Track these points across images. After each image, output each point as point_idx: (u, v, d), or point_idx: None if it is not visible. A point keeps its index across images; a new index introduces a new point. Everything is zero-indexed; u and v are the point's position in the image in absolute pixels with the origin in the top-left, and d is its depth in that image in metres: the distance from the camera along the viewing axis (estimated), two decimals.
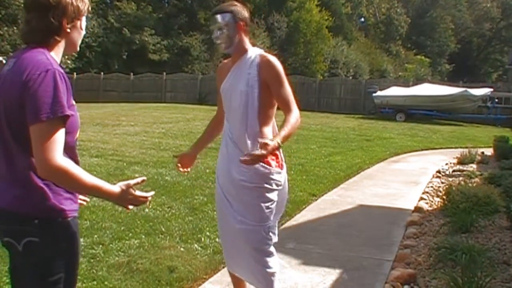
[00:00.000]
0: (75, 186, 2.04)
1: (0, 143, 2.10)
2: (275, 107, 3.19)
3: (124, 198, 2.14)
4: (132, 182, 2.17)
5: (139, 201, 2.19)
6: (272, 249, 3.20)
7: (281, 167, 3.18)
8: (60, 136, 1.98)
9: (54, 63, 2.06)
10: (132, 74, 34.82)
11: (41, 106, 1.94)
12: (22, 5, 2.19)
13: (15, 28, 30.01)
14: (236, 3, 3.18)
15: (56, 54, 2.17)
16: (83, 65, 34.77)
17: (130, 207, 2.20)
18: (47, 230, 2.07)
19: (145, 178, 2.27)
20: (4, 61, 23.63)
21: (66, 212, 2.12)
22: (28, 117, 1.96)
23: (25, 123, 1.97)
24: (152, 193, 2.24)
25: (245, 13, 3.14)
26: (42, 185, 2.05)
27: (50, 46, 2.16)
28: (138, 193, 2.17)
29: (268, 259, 3.17)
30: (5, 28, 30.28)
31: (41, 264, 2.08)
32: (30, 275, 2.10)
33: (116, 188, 2.12)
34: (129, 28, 38.23)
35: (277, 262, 3.26)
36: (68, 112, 2.00)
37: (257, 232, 3.11)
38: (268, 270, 3.16)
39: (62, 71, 2.05)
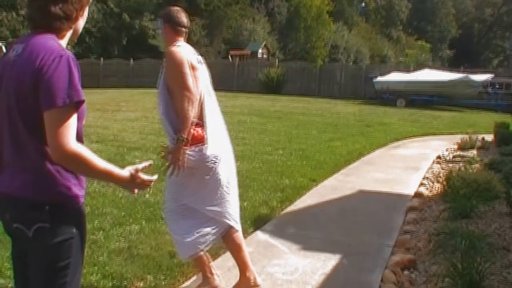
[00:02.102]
0: (88, 170, 2.05)
1: (8, 130, 2.08)
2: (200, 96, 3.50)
3: (133, 183, 2.17)
4: (140, 166, 2.19)
5: (146, 185, 2.22)
6: (180, 219, 3.62)
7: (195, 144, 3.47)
8: (73, 121, 1.98)
9: (65, 49, 2.06)
10: (132, 59, 34.71)
11: (56, 91, 1.94)
12: None
13: (14, 13, 29.88)
14: (171, 8, 3.67)
15: (64, 41, 2.17)
16: (83, 50, 34.67)
17: (136, 191, 2.22)
18: (58, 216, 2.08)
19: (151, 162, 2.29)
20: (3, 47, 23.53)
21: (77, 198, 2.14)
22: (43, 103, 1.95)
23: (38, 109, 1.97)
24: (156, 176, 2.25)
25: (173, 16, 3.58)
26: (53, 171, 2.05)
27: (60, 33, 2.16)
28: (144, 177, 2.18)
29: (174, 227, 3.69)
30: (4, 14, 30.13)
31: (51, 249, 2.09)
32: (39, 260, 2.11)
33: (125, 172, 2.14)
34: (129, 13, 38.09)
35: (187, 233, 3.57)
36: (83, 97, 2.01)
37: (168, 200, 3.77)
38: (174, 237, 3.72)
39: (74, 57, 2.05)
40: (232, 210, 3.73)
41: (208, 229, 3.60)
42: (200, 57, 3.70)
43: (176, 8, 3.66)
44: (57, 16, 2.11)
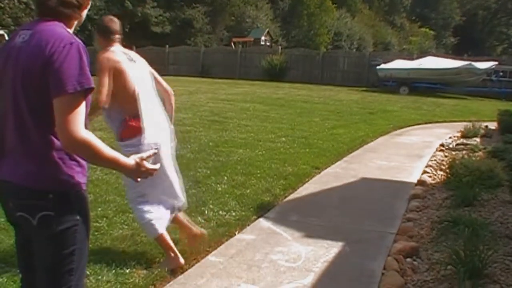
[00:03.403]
0: (96, 158, 2.04)
1: (13, 116, 2.07)
2: (121, 92, 3.78)
3: (138, 171, 2.17)
4: (145, 155, 2.19)
5: (149, 174, 2.22)
6: (141, 206, 3.91)
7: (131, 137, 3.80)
8: (83, 109, 1.99)
9: (74, 36, 2.07)
10: (134, 47, 34.58)
11: (67, 78, 1.94)
12: None
13: (16, 0, 29.76)
14: (103, 18, 4.05)
15: (71, 30, 2.17)
16: (85, 38, 34.59)
17: (139, 179, 2.22)
18: (62, 203, 2.08)
19: (156, 151, 2.29)
20: (5, 35, 23.47)
21: (80, 186, 2.14)
22: (53, 89, 1.95)
23: (45, 96, 1.97)
24: (159, 165, 2.26)
25: (104, 26, 3.93)
26: (57, 159, 2.05)
27: (70, 21, 2.17)
28: (148, 165, 2.19)
29: (139, 213, 3.92)
30: (6, 1, 30.02)
31: (56, 237, 2.09)
32: (45, 248, 2.12)
33: (131, 161, 2.14)
34: (131, 0, 37.92)
35: (150, 215, 3.89)
36: (93, 85, 2.02)
37: (128, 191, 4.03)
38: (141, 221, 3.95)
39: (83, 44, 2.06)
40: (174, 192, 4.06)
41: (162, 211, 3.97)
42: (134, 55, 3.98)
43: (108, 17, 4.04)
44: (71, 4, 2.12)
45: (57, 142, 2.02)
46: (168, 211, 4.03)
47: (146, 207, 3.91)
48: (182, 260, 3.99)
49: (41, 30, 2.06)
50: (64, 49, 1.97)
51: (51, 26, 2.07)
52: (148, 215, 3.89)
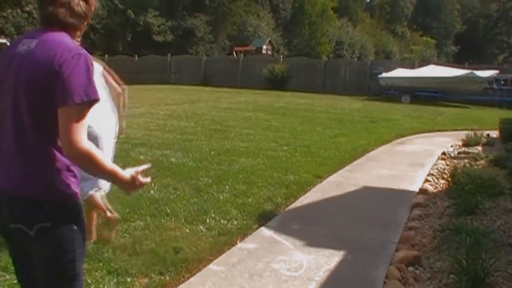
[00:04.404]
0: (96, 169, 2.04)
1: (12, 121, 2.07)
2: None
3: (133, 184, 2.17)
4: (140, 168, 2.20)
5: (142, 187, 2.24)
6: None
7: None
8: (87, 120, 2.00)
9: (80, 47, 2.08)
10: (136, 55, 34.75)
11: (75, 88, 1.95)
12: None
13: (19, 9, 29.90)
14: None
15: (74, 40, 2.18)
16: (87, 47, 34.69)
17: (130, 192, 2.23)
18: (59, 214, 2.08)
19: (150, 165, 2.30)
20: (8, 44, 23.54)
21: (76, 196, 2.14)
22: (60, 98, 1.95)
23: (49, 106, 1.97)
24: (149, 179, 2.26)
25: None
26: (55, 169, 2.05)
27: (76, 31, 2.18)
28: (142, 179, 2.20)
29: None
30: (9, 10, 30.16)
31: (55, 247, 2.09)
32: (46, 257, 2.11)
33: (127, 174, 2.15)
34: (133, 9, 38.13)
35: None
36: (99, 96, 2.03)
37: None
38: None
39: (90, 56, 2.07)
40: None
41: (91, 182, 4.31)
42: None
43: None
44: (79, 14, 2.14)
45: (55, 152, 2.03)
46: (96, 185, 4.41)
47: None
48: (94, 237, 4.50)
49: (47, 39, 2.06)
50: (73, 60, 1.98)
51: (57, 36, 2.07)
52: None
